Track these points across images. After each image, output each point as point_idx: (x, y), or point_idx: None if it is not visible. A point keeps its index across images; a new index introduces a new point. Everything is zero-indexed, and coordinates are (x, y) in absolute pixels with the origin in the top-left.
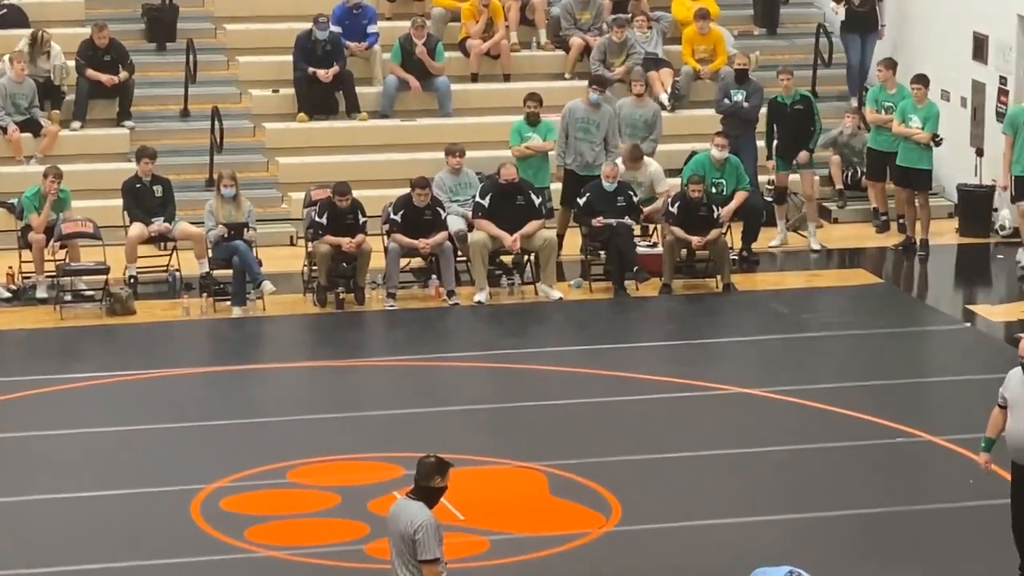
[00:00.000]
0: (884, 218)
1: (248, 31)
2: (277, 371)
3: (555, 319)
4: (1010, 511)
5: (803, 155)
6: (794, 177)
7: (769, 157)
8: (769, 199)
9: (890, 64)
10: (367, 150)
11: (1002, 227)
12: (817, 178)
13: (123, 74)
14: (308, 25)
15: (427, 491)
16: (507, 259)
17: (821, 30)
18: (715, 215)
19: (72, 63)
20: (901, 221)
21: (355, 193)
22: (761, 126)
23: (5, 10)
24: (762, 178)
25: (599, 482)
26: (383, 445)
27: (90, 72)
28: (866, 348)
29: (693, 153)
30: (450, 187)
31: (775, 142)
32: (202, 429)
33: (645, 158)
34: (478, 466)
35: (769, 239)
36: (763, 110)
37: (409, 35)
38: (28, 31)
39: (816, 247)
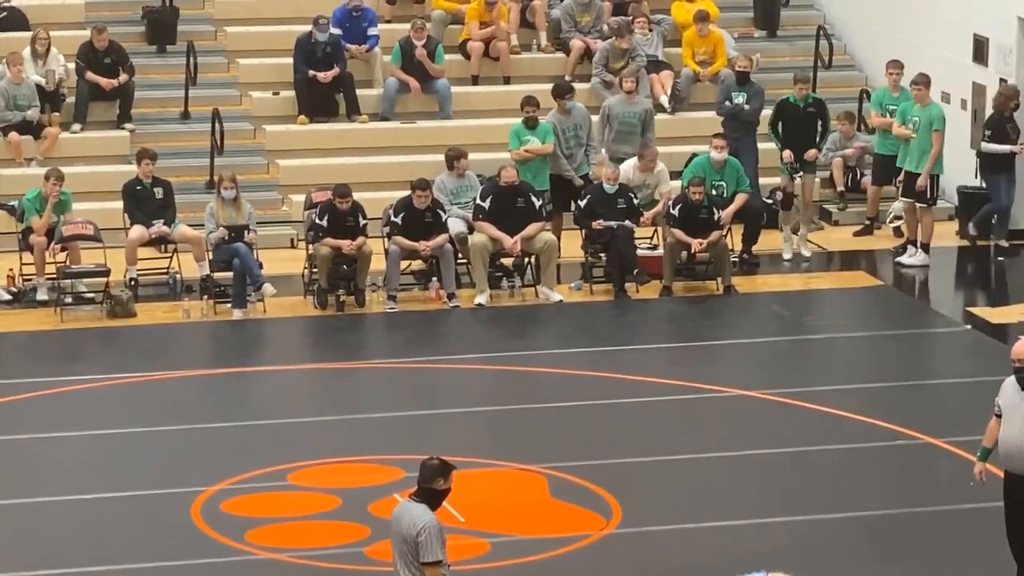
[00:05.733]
0: (868, 223)
1: (248, 33)
2: (278, 373)
3: (555, 321)
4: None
5: (812, 152)
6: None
7: (785, 148)
8: (768, 201)
9: (898, 66)
10: (367, 152)
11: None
12: (817, 180)
13: (123, 76)
14: (308, 27)
15: (430, 493)
16: (507, 261)
17: (821, 32)
18: (715, 217)
19: (72, 65)
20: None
21: (355, 195)
22: (764, 128)
23: (5, 12)
24: (771, 180)
25: (599, 484)
26: (384, 447)
27: (90, 75)
28: (866, 350)
29: (693, 155)
30: (451, 189)
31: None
32: (203, 431)
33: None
34: (479, 468)
35: (770, 243)
36: (769, 111)
37: (409, 37)
38: (29, 34)
39: (807, 254)
